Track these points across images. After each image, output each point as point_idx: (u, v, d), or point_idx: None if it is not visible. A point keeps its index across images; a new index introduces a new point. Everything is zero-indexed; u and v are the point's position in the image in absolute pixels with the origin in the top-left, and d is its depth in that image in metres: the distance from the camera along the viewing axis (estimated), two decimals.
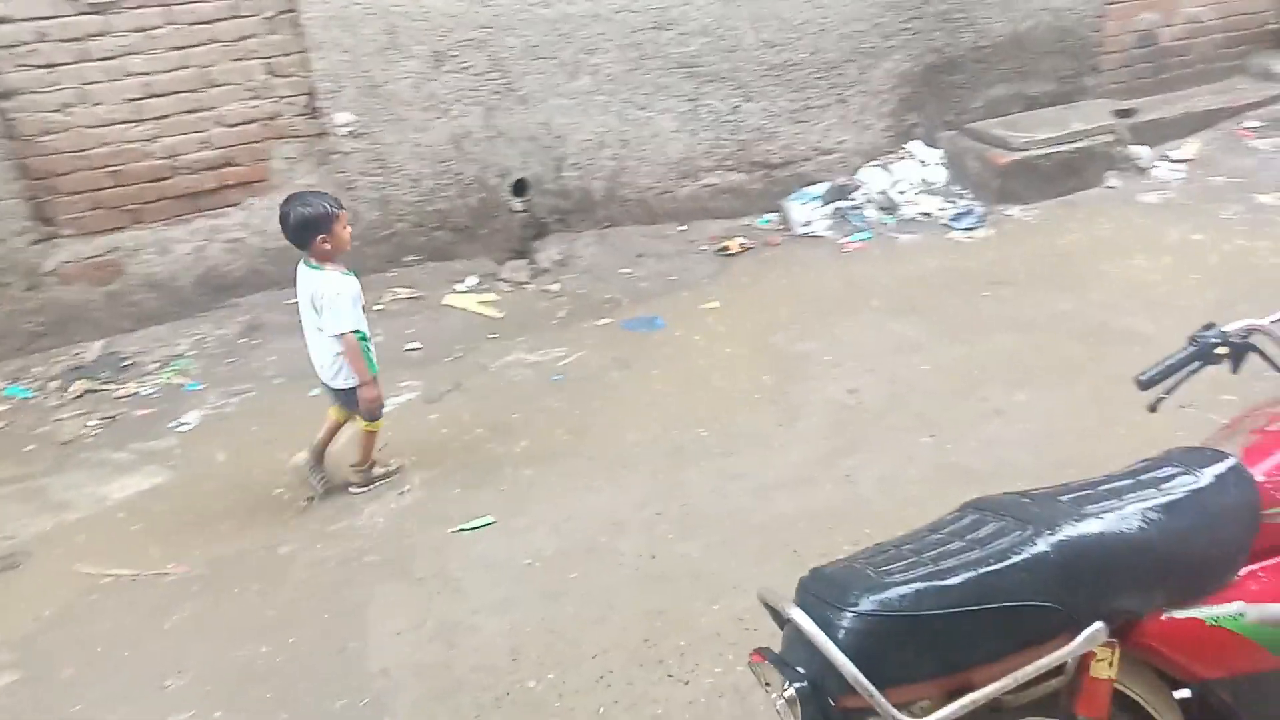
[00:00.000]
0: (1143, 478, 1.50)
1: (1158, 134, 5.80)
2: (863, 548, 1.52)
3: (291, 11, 4.50)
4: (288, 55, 4.60)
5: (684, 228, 5.48)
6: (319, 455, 3.38)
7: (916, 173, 5.61)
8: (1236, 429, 1.68)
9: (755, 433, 3.54)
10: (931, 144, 5.72)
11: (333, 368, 3.23)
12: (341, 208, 3.15)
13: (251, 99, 4.61)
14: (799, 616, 1.30)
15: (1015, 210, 5.26)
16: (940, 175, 5.61)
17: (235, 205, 4.72)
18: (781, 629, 1.42)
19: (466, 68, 4.81)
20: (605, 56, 5.02)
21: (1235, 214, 4.96)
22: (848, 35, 5.35)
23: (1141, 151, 5.64)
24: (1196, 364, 1.82)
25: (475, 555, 3.05)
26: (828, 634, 1.26)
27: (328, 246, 3.11)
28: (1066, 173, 5.38)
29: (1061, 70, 5.87)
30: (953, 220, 5.26)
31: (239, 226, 4.74)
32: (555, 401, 3.91)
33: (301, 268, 3.19)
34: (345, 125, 4.73)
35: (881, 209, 5.46)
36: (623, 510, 3.17)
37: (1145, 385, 1.81)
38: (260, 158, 4.71)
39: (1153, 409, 1.75)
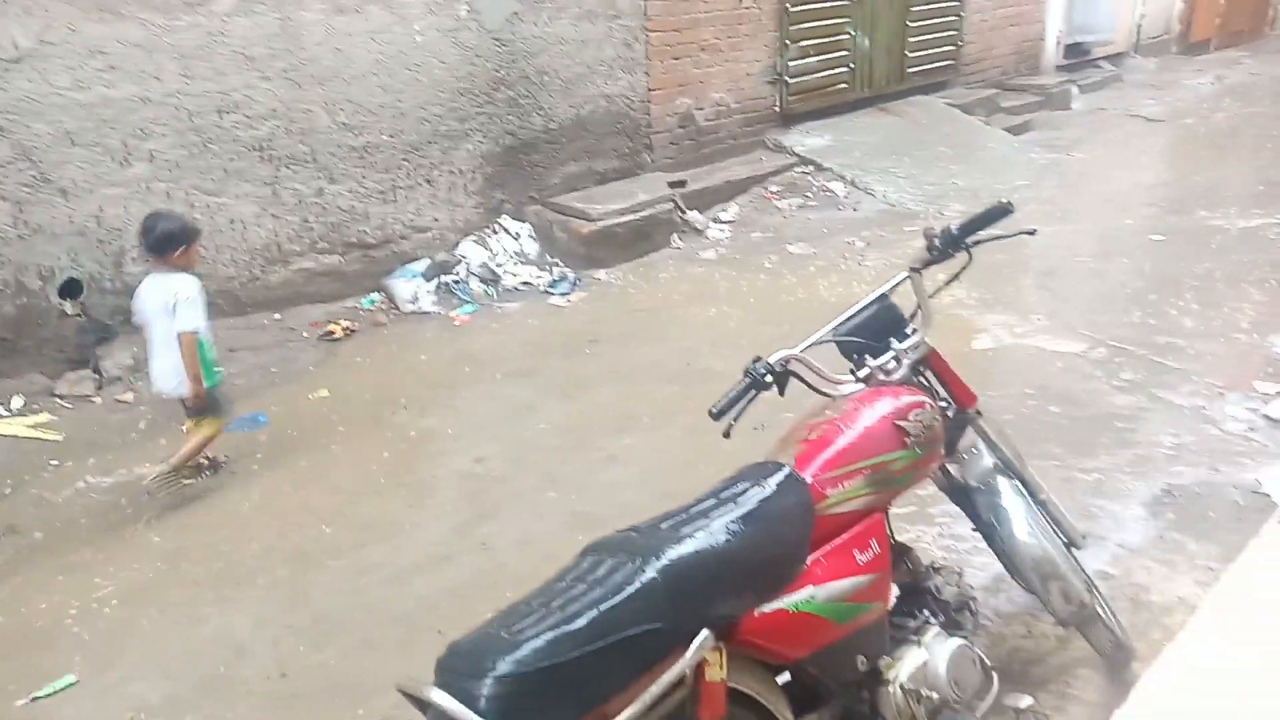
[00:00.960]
0: (722, 495, 1.72)
1: (706, 200, 6.77)
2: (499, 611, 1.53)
3: None
4: None
5: (280, 316, 5.17)
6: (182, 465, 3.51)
7: (511, 245, 5.91)
8: (789, 441, 1.98)
9: (385, 519, 3.41)
10: (520, 218, 6.07)
11: (175, 372, 3.41)
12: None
13: None
14: (439, 697, 1.27)
15: (602, 274, 5.76)
16: (533, 246, 5.97)
17: None
18: (426, 715, 1.37)
19: None
20: (162, 142, 4.59)
21: (773, 262, 5.93)
22: (426, 119, 5.51)
23: (696, 216, 6.54)
24: (753, 392, 2.09)
25: None
26: (471, 707, 1.25)
27: (184, 259, 3.44)
28: (639, 238, 6.04)
29: (622, 149, 6.61)
30: (550, 287, 5.61)
31: None
32: (143, 526, 3.41)
33: (150, 279, 3.44)
34: None
35: (484, 281, 5.64)
36: (240, 633, 2.85)
37: (717, 416, 2.05)
38: None
39: (726, 435, 1.99)
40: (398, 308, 5.37)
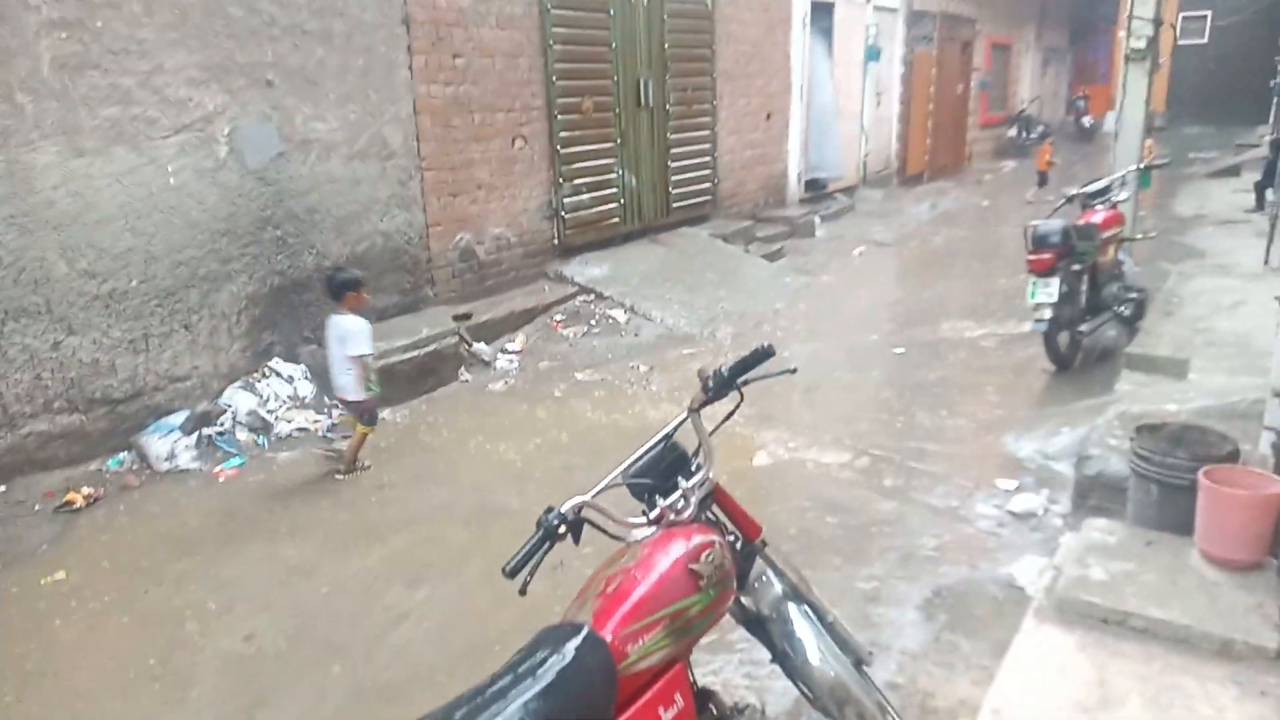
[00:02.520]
0: (520, 670, 1.64)
1: (493, 332, 6.78)
2: None
3: None
4: None
5: (4, 488, 4.51)
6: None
7: (284, 389, 5.57)
8: (586, 595, 1.94)
9: None
10: (294, 359, 5.76)
11: (348, 383, 4.60)
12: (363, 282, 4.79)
13: None
14: None
15: (386, 413, 5.54)
16: (308, 389, 5.66)
17: None
18: None
19: None
20: None
21: (563, 390, 5.99)
22: (182, 262, 5.16)
23: (483, 348, 6.52)
24: (548, 544, 2.05)
25: None
26: None
27: (354, 303, 4.64)
28: (425, 373, 5.91)
29: (402, 284, 6.52)
30: (330, 431, 5.31)
31: None
32: None
33: (333, 318, 4.64)
34: None
35: (253, 430, 5.25)
36: None
37: (512, 574, 1.98)
38: None
39: (523, 592, 1.92)
40: (151, 467, 4.85)
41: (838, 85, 12.33)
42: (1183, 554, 3.05)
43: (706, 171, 9.89)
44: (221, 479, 4.81)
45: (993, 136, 19.28)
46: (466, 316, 6.65)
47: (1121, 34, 7.91)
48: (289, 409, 5.48)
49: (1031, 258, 5.67)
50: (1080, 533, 3.31)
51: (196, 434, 5.07)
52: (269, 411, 5.38)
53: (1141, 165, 7.18)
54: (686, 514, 2.21)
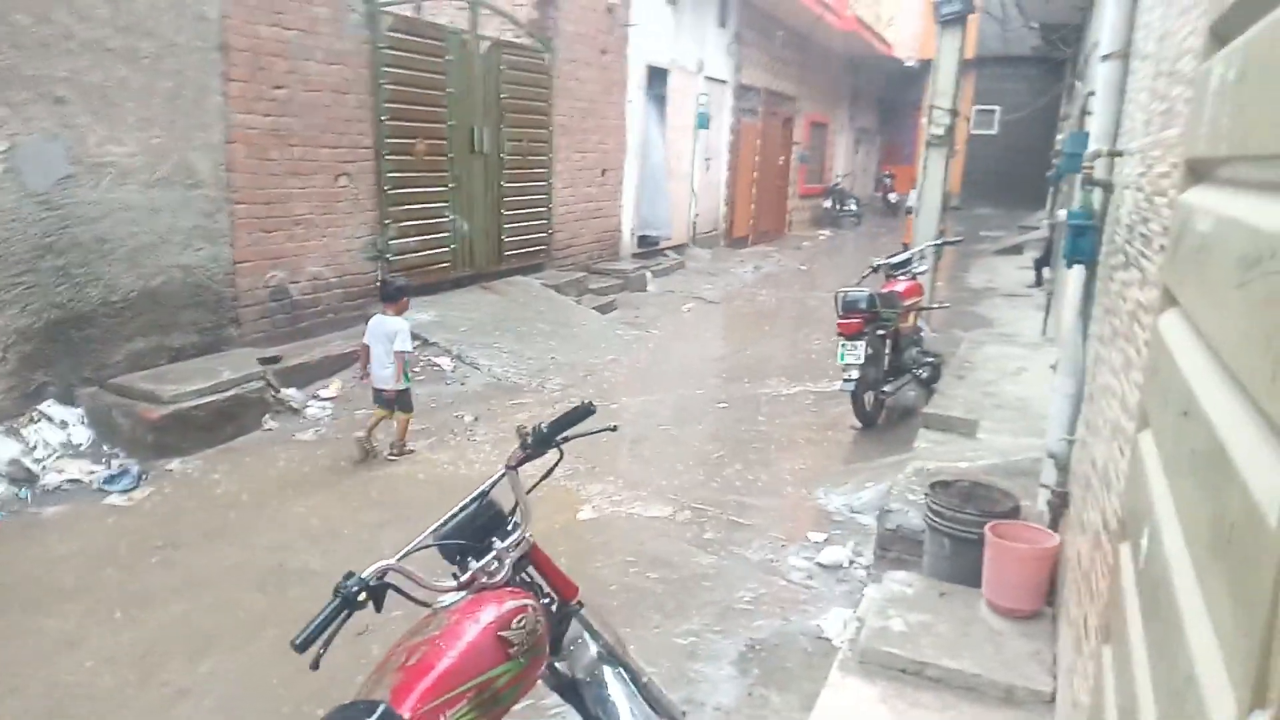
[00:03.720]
0: None
1: (305, 377, 6.39)
2: None
3: None
4: None
5: None
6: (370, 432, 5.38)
7: (56, 435, 4.98)
8: (385, 670, 1.80)
9: None
10: (70, 402, 5.18)
11: (392, 375, 5.29)
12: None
13: None
14: None
15: (176, 464, 5.07)
16: (86, 435, 5.09)
17: None
18: None
19: None
20: None
21: (379, 440, 5.69)
22: None
23: (293, 394, 6.12)
24: (345, 613, 1.89)
25: None
26: None
27: (399, 307, 5.43)
28: (224, 420, 5.46)
29: (203, 323, 6.04)
30: (107, 483, 4.78)
31: None
32: None
33: (377, 317, 5.39)
34: None
35: (15, 481, 4.64)
36: None
37: (302, 648, 1.81)
38: None
39: (315, 666, 1.76)
40: None
41: (670, 148, 12.78)
42: (973, 604, 3.25)
43: (542, 221, 9.91)
44: None
45: (811, 206, 20.59)
46: (275, 359, 6.24)
47: (924, 121, 8.68)
48: (60, 458, 4.89)
49: (841, 321, 6.02)
50: (882, 584, 3.47)
51: None
52: (36, 460, 4.78)
53: (940, 241, 7.84)
54: (500, 576, 2.12)
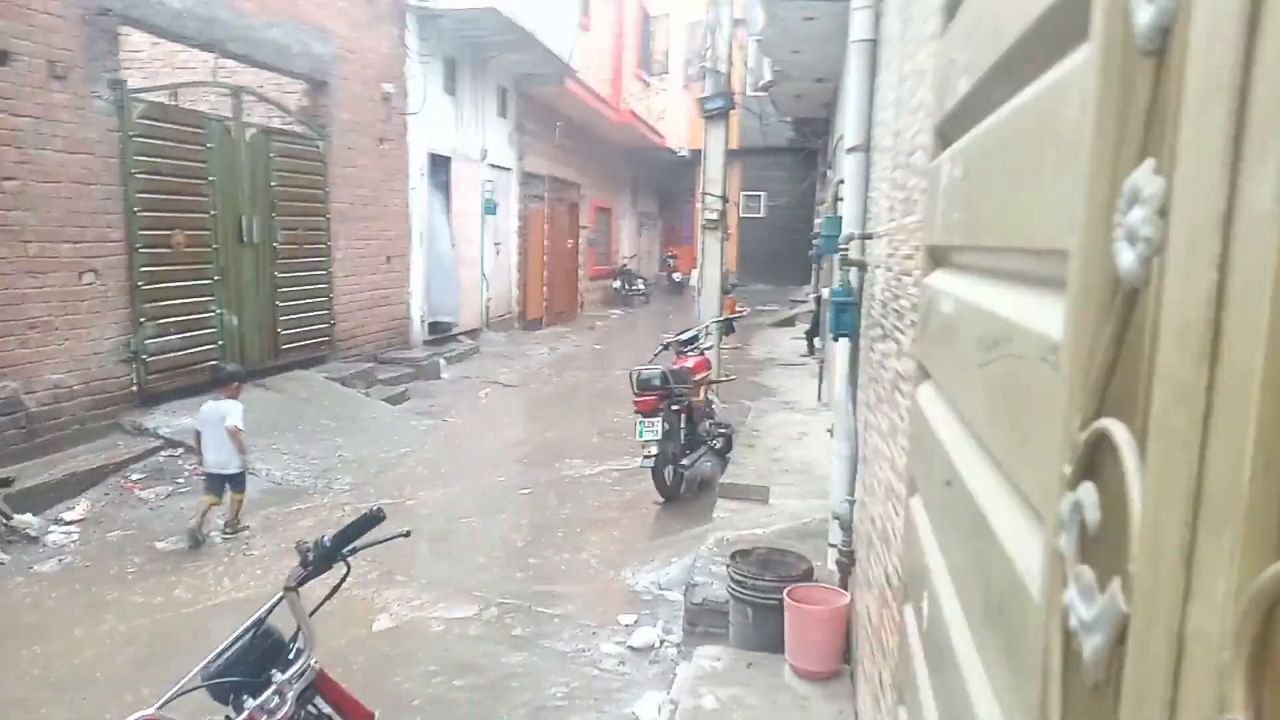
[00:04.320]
0: None
1: (44, 499, 5.60)
2: None
3: None
4: None
5: None
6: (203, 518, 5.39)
7: None
8: None
9: None
10: None
11: (228, 458, 5.40)
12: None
13: None
14: None
15: None
16: None
17: None
18: None
19: None
20: None
21: (137, 565, 5.07)
22: None
23: (29, 519, 5.33)
24: None
25: None
26: None
27: (232, 391, 5.58)
28: None
29: None
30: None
31: None
32: None
33: (210, 403, 5.54)
34: None
35: None
36: None
37: None
38: None
39: None
40: None
41: (458, 233, 12.71)
42: (779, 671, 3.32)
43: (323, 312, 9.45)
44: None
45: (601, 287, 21.15)
46: (7, 482, 5.43)
47: (699, 206, 9.21)
48: None
49: (637, 399, 6.14)
50: (692, 661, 3.47)
51: None
52: None
53: (723, 317, 8.26)
54: (282, 713, 1.91)
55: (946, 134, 1.39)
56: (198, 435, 5.53)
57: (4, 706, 3.58)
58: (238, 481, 5.53)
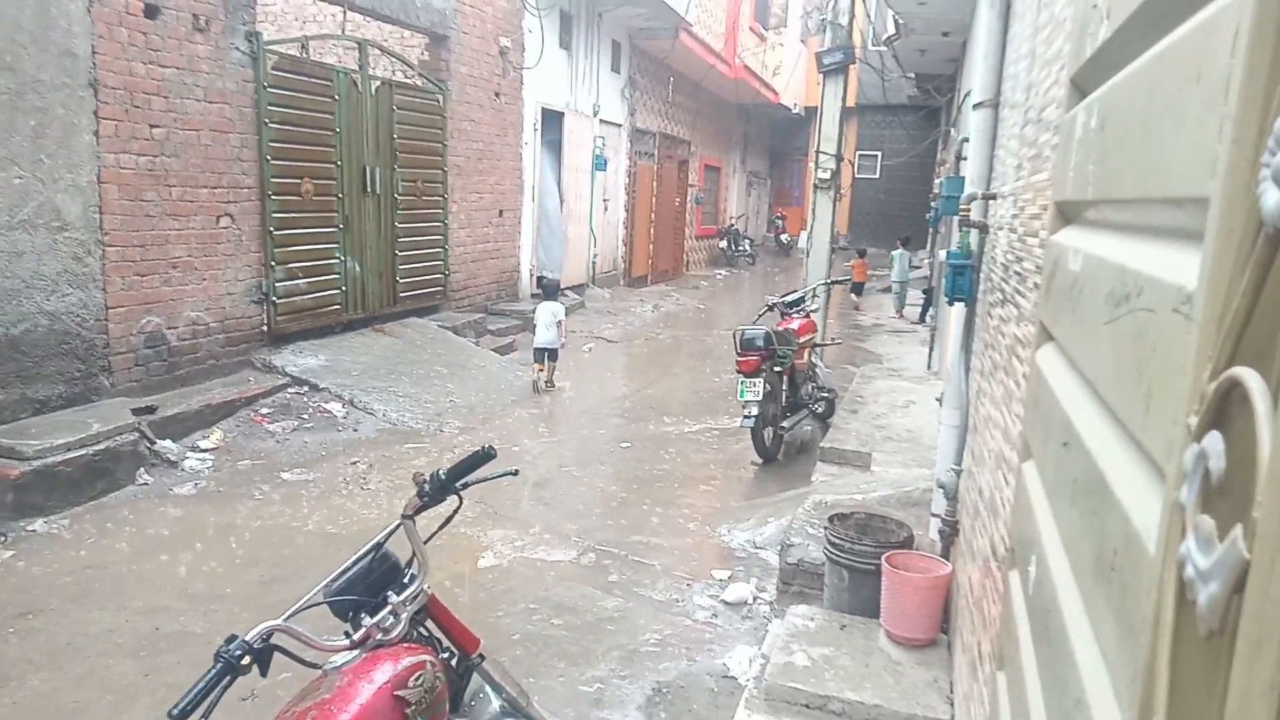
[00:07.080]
0: None
1: (182, 427, 6.04)
2: None
3: None
4: None
5: None
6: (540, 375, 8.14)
7: None
8: None
9: None
10: None
11: (554, 338, 8.03)
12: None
13: None
14: None
15: (40, 524, 4.69)
16: None
17: None
18: None
19: None
20: None
21: (264, 493, 5.44)
22: None
23: (170, 445, 5.77)
24: (227, 679, 1.78)
25: None
26: None
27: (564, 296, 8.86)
28: (94, 475, 5.10)
29: (70, 372, 5.66)
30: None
31: None
32: None
33: (543, 303, 8.18)
34: None
35: None
36: None
37: (180, 718, 1.69)
38: None
39: None
40: None
41: (567, 189, 12.85)
42: (873, 635, 3.31)
43: (438, 263, 9.76)
44: None
45: (707, 247, 21.03)
46: (150, 410, 5.88)
47: (811, 165, 9.01)
48: None
49: (740, 359, 6.13)
50: (785, 619, 3.50)
51: None
52: None
53: (828, 281, 8.11)
54: (396, 632, 2.03)
55: (1083, 85, 1.33)
56: (533, 325, 8.21)
57: (150, 612, 3.93)
58: (555, 355, 8.10)
